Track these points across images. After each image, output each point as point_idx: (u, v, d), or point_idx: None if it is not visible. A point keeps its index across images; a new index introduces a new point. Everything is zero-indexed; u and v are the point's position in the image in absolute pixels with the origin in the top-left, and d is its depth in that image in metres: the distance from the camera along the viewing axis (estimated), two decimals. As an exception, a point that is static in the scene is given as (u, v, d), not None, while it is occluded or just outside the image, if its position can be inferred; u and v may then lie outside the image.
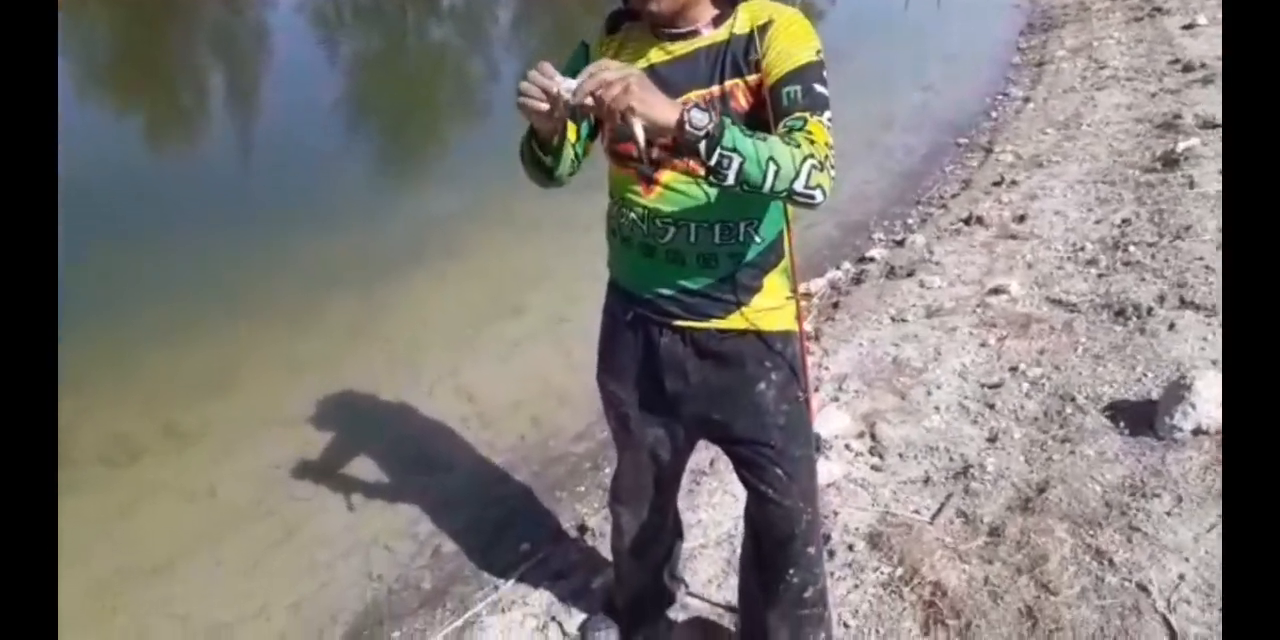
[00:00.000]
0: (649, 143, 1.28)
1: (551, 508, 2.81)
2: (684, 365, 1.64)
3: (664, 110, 1.25)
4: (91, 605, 2.47)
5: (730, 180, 1.29)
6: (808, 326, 3.64)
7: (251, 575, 2.59)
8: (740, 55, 1.46)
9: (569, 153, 1.59)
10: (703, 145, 1.26)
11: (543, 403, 3.41)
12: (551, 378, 3.55)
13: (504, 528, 2.74)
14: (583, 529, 2.63)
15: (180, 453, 3.15)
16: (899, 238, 4.80)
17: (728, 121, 1.28)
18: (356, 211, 5.39)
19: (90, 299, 4.04)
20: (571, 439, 3.19)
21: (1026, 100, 7.33)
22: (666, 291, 1.60)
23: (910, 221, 5.11)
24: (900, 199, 5.53)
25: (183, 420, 3.32)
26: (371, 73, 10.07)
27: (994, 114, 7.22)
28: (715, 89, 1.47)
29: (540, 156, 1.54)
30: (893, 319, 3.67)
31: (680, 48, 1.51)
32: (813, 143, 1.34)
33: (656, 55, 1.52)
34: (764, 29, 1.46)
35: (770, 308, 1.62)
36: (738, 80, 1.46)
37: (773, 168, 1.28)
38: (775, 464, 1.68)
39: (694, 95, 1.46)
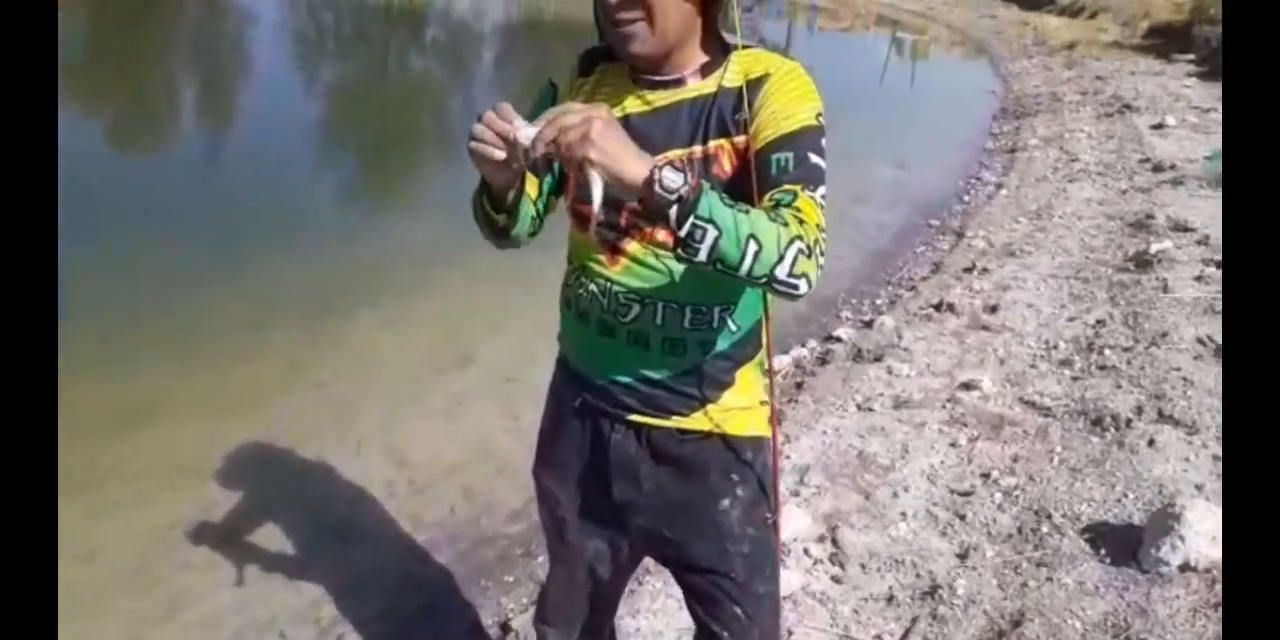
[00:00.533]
0: (609, 202, 1.10)
1: (474, 599, 2.52)
2: (636, 468, 1.41)
3: (631, 164, 1.07)
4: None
5: (702, 256, 1.09)
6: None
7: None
8: (728, 112, 1.27)
9: (527, 210, 1.39)
10: (673, 211, 1.06)
11: (480, 470, 3.14)
12: (493, 441, 3.29)
13: (417, 619, 2.44)
14: (505, 629, 2.35)
15: (63, 502, 2.80)
16: (867, 318, 4.65)
17: (706, 186, 1.09)
18: (315, 238, 5.14)
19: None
20: (507, 517, 2.91)
21: (999, 186, 7.34)
22: (624, 378, 1.38)
23: (879, 302, 4.97)
24: (870, 278, 5.41)
25: (73, 463, 2.97)
26: (348, 98, 9.85)
27: (966, 197, 7.21)
28: (697, 149, 1.27)
29: (492, 214, 1.34)
30: (859, 407, 3.48)
31: (661, 98, 1.31)
32: (802, 223, 1.14)
33: (633, 104, 1.32)
34: (758, 83, 1.26)
35: (740, 408, 1.41)
36: (723, 141, 1.27)
37: (753, 247, 1.08)
38: (735, 601, 1.45)
39: (672, 155, 1.26)
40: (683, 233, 1.07)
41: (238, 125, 8.07)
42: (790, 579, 2.36)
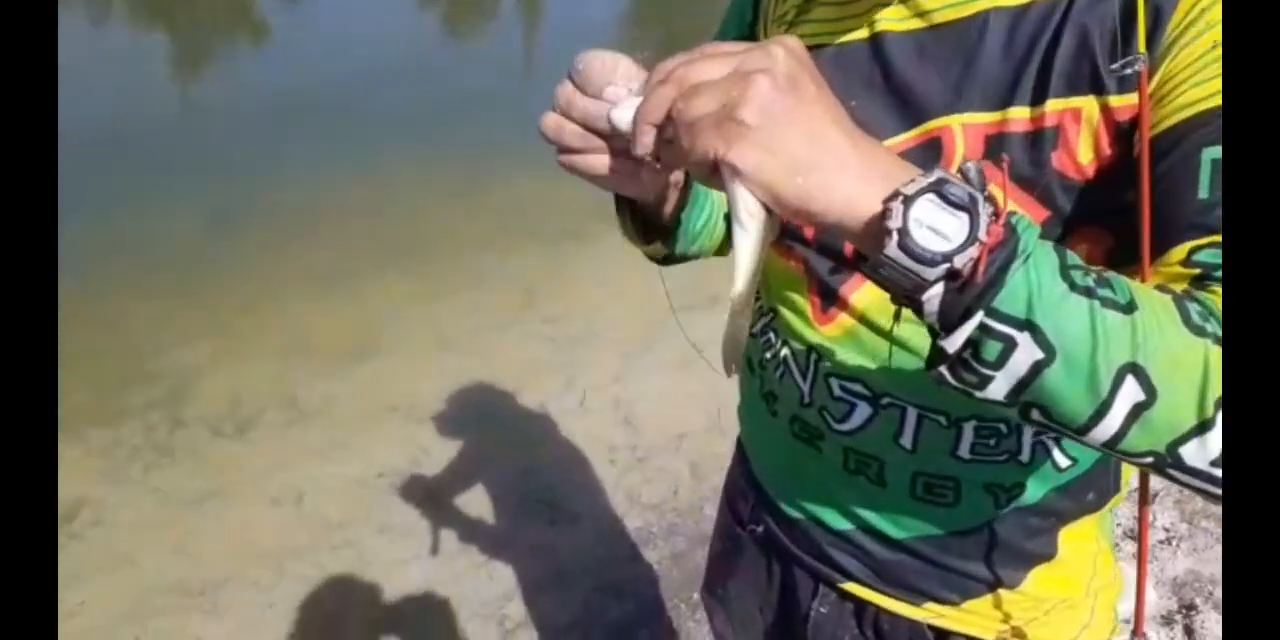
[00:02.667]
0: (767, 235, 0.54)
1: (680, 623, 2.09)
2: None
3: (835, 179, 0.50)
4: (112, 630, 2.05)
5: (997, 392, 0.51)
6: None
7: (284, 623, 2.08)
8: (1099, 40, 0.61)
9: (699, 219, 0.81)
10: (934, 296, 0.49)
11: (712, 443, 2.66)
12: (729, 407, 2.79)
13: (609, 637, 2.06)
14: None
15: (286, 433, 2.70)
16: None
17: (1023, 233, 0.49)
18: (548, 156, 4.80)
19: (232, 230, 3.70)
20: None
21: None
22: (837, 523, 0.82)
23: None
24: None
25: (306, 394, 2.87)
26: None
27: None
28: (1017, 117, 0.64)
29: (641, 243, 0.81)
30: None
31: (950, 2, 0.67)
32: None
33: (893, 18, 0.69)
34: None
35: (1060, 600, 0.81)
36: (1077, 102, 0.63)
37: (1132, 391, 0.49)
38: None
39: (958, 123, 0.66)
40: (952, 344, 0.49)
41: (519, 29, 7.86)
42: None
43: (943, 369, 0.51)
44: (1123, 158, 0.61)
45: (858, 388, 0.75)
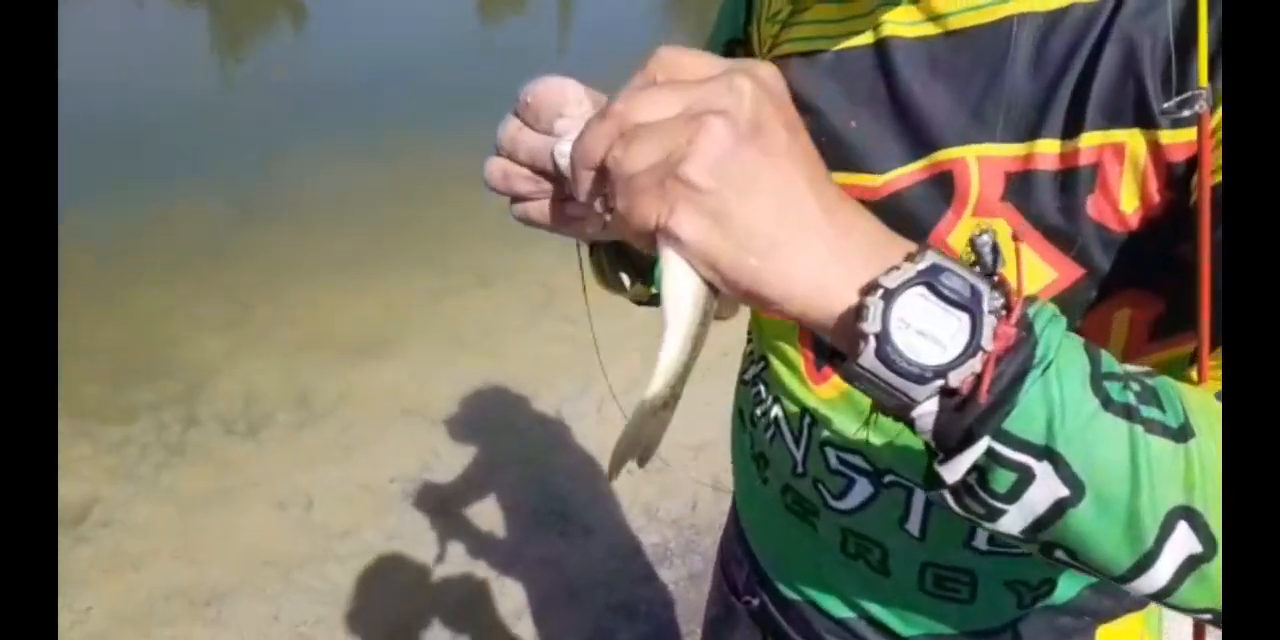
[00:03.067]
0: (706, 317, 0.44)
1: (697, 649, 2.02)
2: None
3: (795, 259, 0.39)
4: (118, 638, 2.03)
5: (1009, 527, 0.41)
6: None
7: (287, 636, 2.04)
8: (1149, 56, 0.50)
9: None
10: (929, 407, 0.39)
11: (728, 454, 2.58)
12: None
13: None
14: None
15: (298, 434, 2.65)
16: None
17: (1042, 326, 0.39)
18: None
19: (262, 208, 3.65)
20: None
21: None
22: (840, 612, 0.74)
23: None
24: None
25: (320, 392, 2.82)
26: None
27: None
28: (1044, 149, 0.53)
29: (614, 283, 0.73)
30: None
31: (971, 5, 0.56)
32: None
33: (902, 22, 0.59)
34: None
35: None
36: (1120, 134, 0.51)
37: (1188, 538, 0.40)
38: None
39: (973, 155, 0.55)
40: (952, 473, 0.40)
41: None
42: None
43: (944, 493, 0.41)
44: (1175, 206, 0.50)
45: (857, 461, 0.66)
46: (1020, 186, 0.54)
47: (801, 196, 0.39)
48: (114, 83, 5.29)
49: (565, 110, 0.47)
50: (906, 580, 0.68)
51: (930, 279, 0.37)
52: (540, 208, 0.49)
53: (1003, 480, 0.39)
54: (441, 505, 2.36)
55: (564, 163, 0.45)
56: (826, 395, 0.66)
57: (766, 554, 0.80)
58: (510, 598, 2.12)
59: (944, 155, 0.56)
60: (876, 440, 0.64)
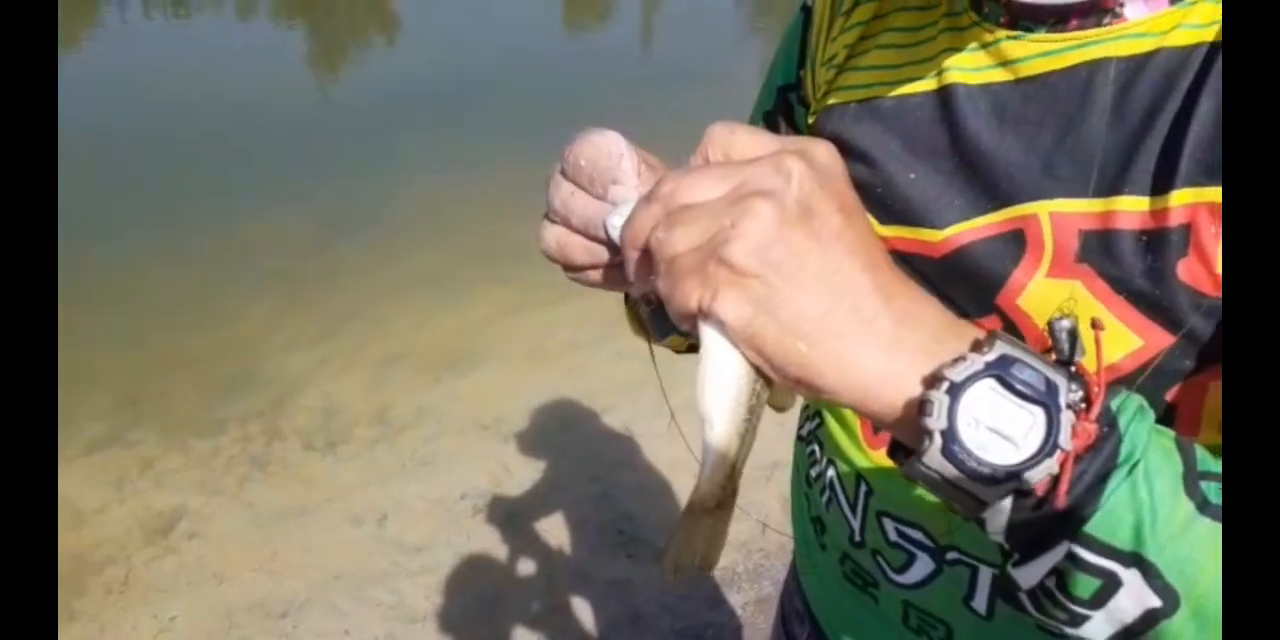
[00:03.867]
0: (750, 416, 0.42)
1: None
2: None
3: (850, 348, 0.37)
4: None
5: (1095, 633, 0.38)
6: None
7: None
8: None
9: None
10: (1003, 506, 0.36)
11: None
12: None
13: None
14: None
15: (374, 449, 2.70)
16: None
17: (1128, 421, 0.36)
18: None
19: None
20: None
21: None
22: None
23: None
24: None
25: (398, 408, 2.88)
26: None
27: None
28: (1128, 207, 0.48)
29: (654, 334, 0.70)
30: None
31: (1049, 49, 0.51)
32: None
33: (968, 67, 0.55)
34: None
35: None
36: (1216, 192, 0.45)
37: None
38: None
39: (1045, 211, 0.50)
40: (1027, 578, 0.38)
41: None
42: None
43: (1021, 596, 0.38)
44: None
45: (917, 535, 0.62)
46: (1099, 246, 0.49)
47: (855, 283, 0.37)
48: (216, 99, 5.54)
49: (620, 177, 0.44)
50: None
51: (1001, 371, 0.35)
52: (597, 277, 0.47)
53: (1085, 586, 0.36)
54: (511, 522, 2.37)
55: (615, 235, 0.43)
56: (884, 463, 0.62)
57: (826, 617, 0.77)
58: (576, 620, 2.11)
59: (1014, 211, 0.52)
60: (943, 517, 0.60)
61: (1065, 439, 0.34)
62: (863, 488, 0.64)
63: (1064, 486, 0.34)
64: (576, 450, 2.64)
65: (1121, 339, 0.49)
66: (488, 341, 3.21)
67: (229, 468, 2.62)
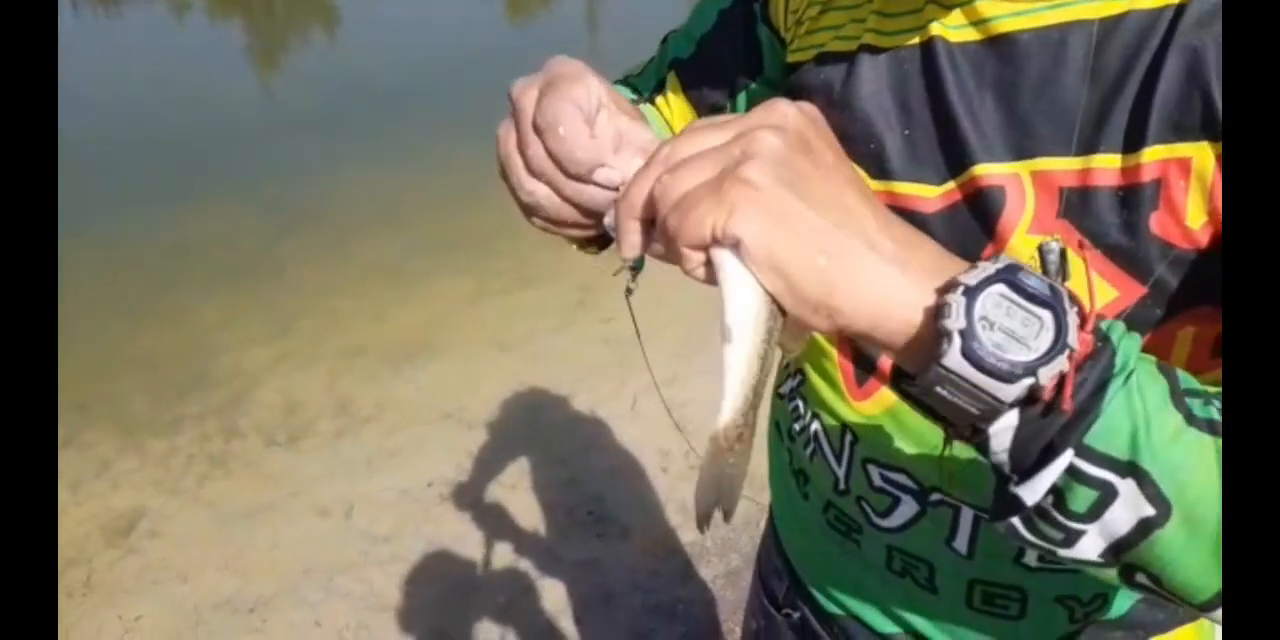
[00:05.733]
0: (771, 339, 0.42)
1: (736, 650, 2.00)
2: None
3: (861, 264, 0.39)
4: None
5: (1087, 550, 0.40)
6: None
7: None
8: (1217, 69, 0.47)
9: None
10: (1010, 419, 0.38)
11: (763, 450, 2.55)
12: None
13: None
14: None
15: (337, 442, 2.68)
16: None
17: (1119, 338, 0.39)
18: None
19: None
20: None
21: None
22: (885, 628, 0.72)
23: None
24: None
25: (359, 400, 2.85)
26: None
27: None
28: (1103, 164, 0.50)
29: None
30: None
31: (1019, 10, 0.52)
32: None
33: (945, 29, 0.55)
34: None
35: None
36: (1185, 148, 0.48)
37: None
38: None
39: (1026, 170, 0.52)
40: (1032, 493, 0.38)
41: None
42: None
43: (1015, 521, 0.40)
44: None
45: (901, 479, 0.64)
46: (1078, 203, 0.51)
47: (858, 209, 0.39)
48: (155, 98, 5.41)
49: (607, 159, 0.45)
50: (954, 597, 0.66)
51: (1011, 277, 0.37)
52: (577, 232, 0.51)
53: (1082, 499, 0.37)
54: (479, 508, 2.37)
55: (609, 222, 0.45)
56: (868, 412, 0.64)
57: (807, 569, 0.79)
58: (549, 601, 2.12)
59: (996, 168, 0.53)
60: (930, 462, 0.62)
61: (1074, 339, 0.36)
62: (848, 437, 0.66)
63: (1069, 389, 0.36)
64: (543, 435, 2.65)
65: (1099, 291, 0.51)
66: (447, 332, 3.19)
67: (188, 467, 2.58)
